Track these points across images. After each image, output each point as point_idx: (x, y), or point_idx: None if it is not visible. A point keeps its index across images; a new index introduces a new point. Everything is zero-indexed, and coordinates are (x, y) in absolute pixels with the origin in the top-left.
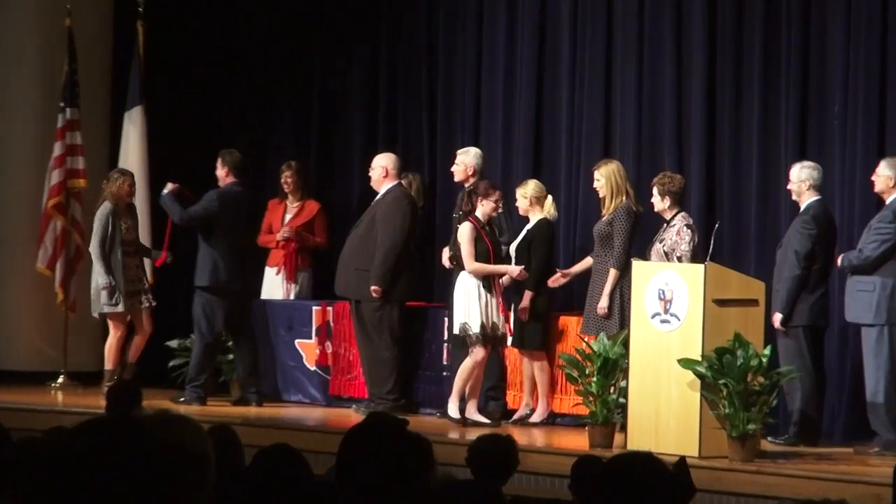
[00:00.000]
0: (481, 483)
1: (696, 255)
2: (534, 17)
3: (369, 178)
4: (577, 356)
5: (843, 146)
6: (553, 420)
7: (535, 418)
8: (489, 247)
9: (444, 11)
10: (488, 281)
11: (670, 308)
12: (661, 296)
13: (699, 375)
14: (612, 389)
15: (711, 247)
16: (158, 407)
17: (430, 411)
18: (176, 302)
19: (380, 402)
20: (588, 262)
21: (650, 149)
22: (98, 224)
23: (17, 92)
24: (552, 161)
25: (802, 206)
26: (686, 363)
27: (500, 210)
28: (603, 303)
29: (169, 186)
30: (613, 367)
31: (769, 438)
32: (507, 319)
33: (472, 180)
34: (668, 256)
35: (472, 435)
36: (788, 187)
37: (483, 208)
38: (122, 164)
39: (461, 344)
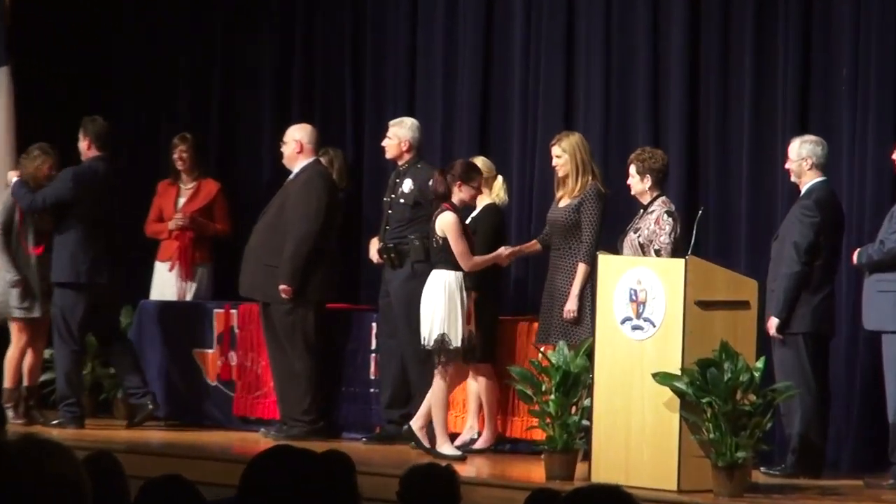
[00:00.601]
0: None
1: (678, 249)
2: None
3: (281, 154)
4: (532, 370)
5: (853, 117)
6: (502, 446)
7: (481, 444)
8: (471, 238)
9: None
10: (470, 282)
11: (644, 311)
12: (633, 297)
13: (678, 393)
14: (573, 410)
15: (694, 238)
16: (25, 431)
17: (355, 435)
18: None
19: (294, 425)
20: (537, 246)
21: (620, 123)
22: (1, 207)
23: None
24: (502, 136)
25: (803, 189)
26: (663, 378)
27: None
28: (571, 305)
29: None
30: (575, 383)
31: (762, 469)
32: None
33: (406, 157)
34: (643, 249)
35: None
36: (786, 166)
37: (461, 194)
38: None
39: (426, 360)
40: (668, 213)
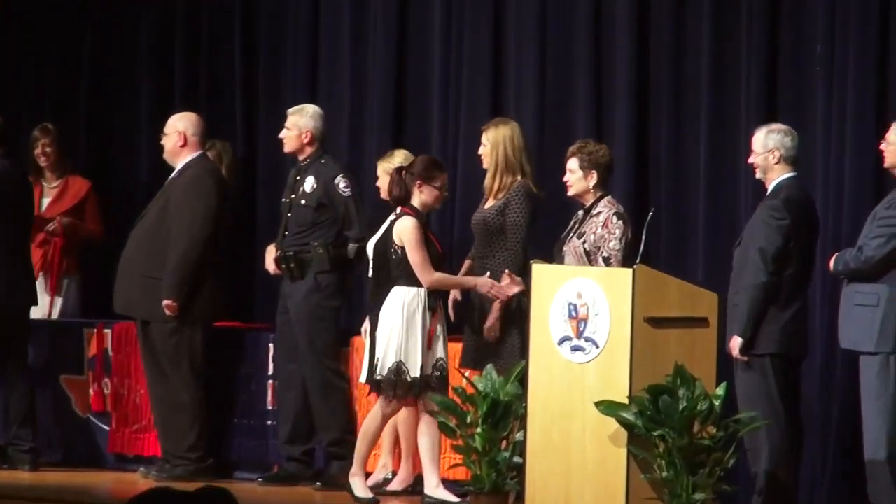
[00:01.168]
0: None
1: (628, 257)
2: None
3: (161, 147)
4: (456, 398)
5: (829, 103)
6: (421, 487)
7: (397, 485)
8: (439, 250)
9: None
10: (435, 301)
11: (585, 330)
12: (573, 313)
13: (626, 425)
14: (503, 445)
15: (643, 244)
16: None
17: (249, 475)
18: None
19: (178, 464)
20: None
21: (557, 111)
22: None
23: None
24: (419, 127)
25: (770, 187)
26: (607, 407)
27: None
28: (491, 321)
29: None
30: (505, 414)
31: None
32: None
33: (308, 150)
34: (589, 257)
35: None
36: (750, 160)
37: (422, 196)
38: None
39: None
40: (618, 214)
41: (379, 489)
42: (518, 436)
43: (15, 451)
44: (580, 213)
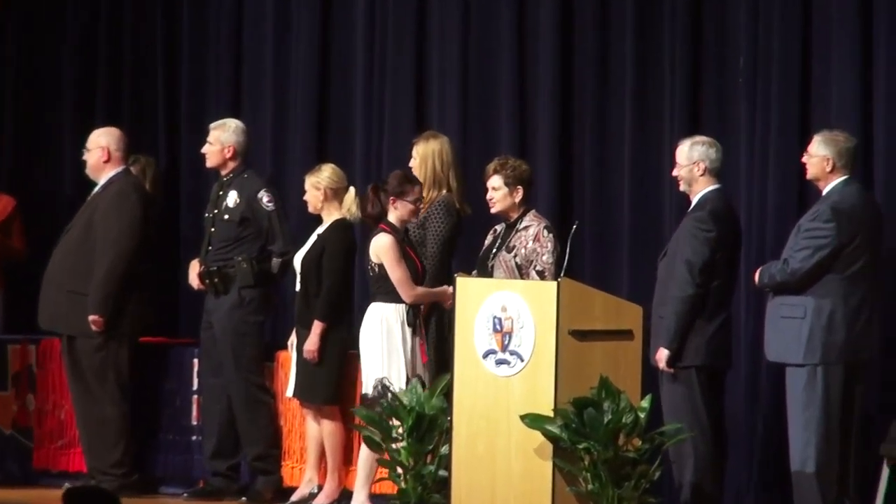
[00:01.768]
0: None
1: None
2: None
3: (84, 162)
4: (381, 412)
5: (752, 115)
6: (347, 502)
7: (323, 500)
8: (417, 264)
9: None
10: (413, 316)
11: (510, 343)
12: (497, 326)
13: (551, 438)
14: (428, 458)
15: (567, 257)
16: None
17: (175, 490)
18: None
19: (103, 479)
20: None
21: (479, 124)
22: None
23: None
24: (342, 141)
25: (695, 200)
26: (533, 420)
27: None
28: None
29: None
30: (431, 428)
31: None
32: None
33: (231, 165)
34: (521, 271)
35: None
36: (674, 173)
37: (397, 212)
38: None
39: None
40: (548, 228)
41: None
42: (443, 449)
43: None
44: (500, 227)
